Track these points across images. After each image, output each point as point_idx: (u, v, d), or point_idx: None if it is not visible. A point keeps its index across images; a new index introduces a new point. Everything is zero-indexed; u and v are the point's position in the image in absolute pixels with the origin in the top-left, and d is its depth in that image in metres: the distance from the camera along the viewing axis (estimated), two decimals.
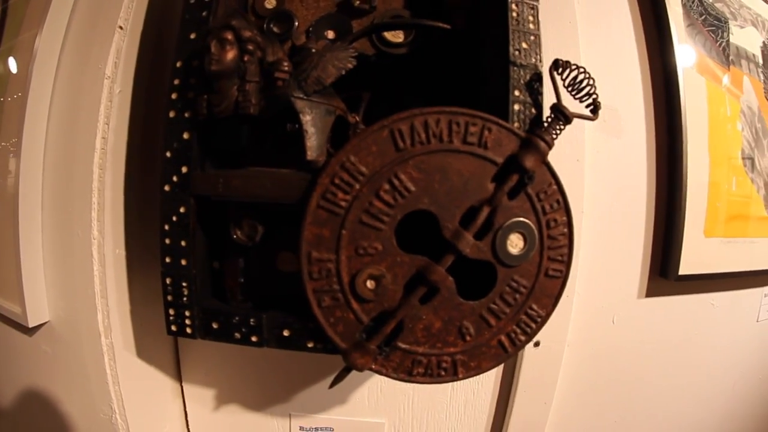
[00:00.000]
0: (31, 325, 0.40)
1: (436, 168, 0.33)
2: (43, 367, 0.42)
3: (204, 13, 0.38)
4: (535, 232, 0.35)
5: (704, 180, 0.62)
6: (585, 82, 0.37)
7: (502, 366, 0.53)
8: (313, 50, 0.40)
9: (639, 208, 0.58)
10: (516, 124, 0.36)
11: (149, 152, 0.45)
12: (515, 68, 0.37)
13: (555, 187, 0.36)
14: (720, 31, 0.71)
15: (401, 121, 0.33)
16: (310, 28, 0.43)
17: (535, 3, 0.40)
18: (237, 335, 0.38)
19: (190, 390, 0.49)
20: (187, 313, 0.38)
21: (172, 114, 0.37)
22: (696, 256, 0.61)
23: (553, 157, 0.50)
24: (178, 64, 0.38)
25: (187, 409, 0.48)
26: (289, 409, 0.50)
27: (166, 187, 0.37)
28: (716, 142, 0.64)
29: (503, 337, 0.37)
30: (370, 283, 0.34)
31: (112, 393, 0.41)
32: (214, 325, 0.38)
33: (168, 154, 0.37)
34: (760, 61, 0.76)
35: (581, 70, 0.37)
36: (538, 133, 0.34)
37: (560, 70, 0.37)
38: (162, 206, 0.37)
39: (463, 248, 0.33)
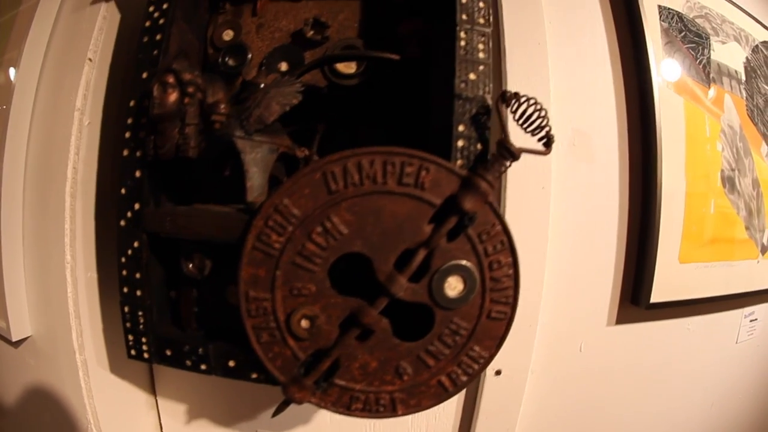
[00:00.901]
0: (14, 339, 0.45)
1: (370, 210, 0.34)
2: (27, 378, 0.48)
3: (155, 52, 0.40)
4: (476, 274, 0.35)
5: (680, 204, 0.61)
6: (536, 115, 0.36)
7: (464, 392, 0.53)
8: (262, 85, 0.41)
9: (610, 235, 0.57)
10: (459, 162, 0.36)
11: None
12: (460, 101, 0.36)
13: (499, 227, 0.35)
14: (701, 48, 0.70)
15: (333, 163, 0.34)
16: (264, 60, 0.45)
17: (486, 30, 0.38)
18: (188, 362, 0.41)
19: (164, 403, 0.52)
20: (143, 340, 0.41)
21: (125, 152, 0.40)
22: (669, 282, 0.60)
23: (518, 186, 0.50)
24: (131, 104, 0.40)
25: (162, 422, 0.53)
26: (257, 425, 0.54)
27: (122, 222, 0.40)
28: (694, 164, 0.64)
29: (443, 378, 0.37)
30: (304, 323, 0.36)
31: (87, 406, 0.45)
32: (168, 352, 0.41)
33: (123, 191, 0.40)
34: (743, 78, 0.76)
35: (531, 102, 0.35)
36: (480, 172, 0.33)
37: (508, 102, 0.36)
38: (118, 240, 0.40)
39: (396, 292, 0.34)
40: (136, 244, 0.40)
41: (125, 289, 0.41)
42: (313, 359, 0.37)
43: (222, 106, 0.35)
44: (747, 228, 0.72)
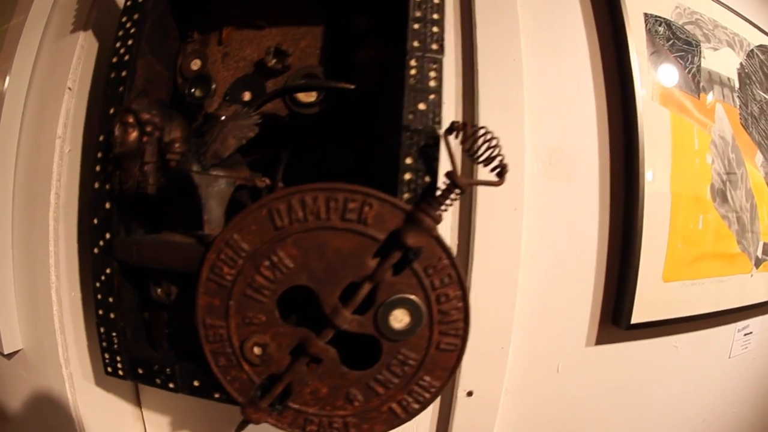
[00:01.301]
0: (5, 351, 0.50)
1: (314, 246, 0.36)
2: (19, 389, 0.52)
3: (121, 89, 0.43)
4: (422, 307, 0.36)
5: (664, 222, 0.60)
6: (486, 145, 0.36)
7: (437, 412, 0.55)
8: (223, 117, 0.43)
9: (589, 255, 0.57)
10: (407, 195, 0.37)
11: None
12: (408, 133, 0.37)
13: (446, 261, 0.36)
14: (690, 56, 0.68)
15: (278, 200, 0.36)
16: (228, 91, 0.47)
17: (439, 56, 0.39)
18: (158, 381, 0.44)
19: (150, 415, 0.56)
20: (118, 358, 0.45)
21: (96, 185, 0.43)
22: (652, 302, 0.59)
23: (488, 208, 0.51)
24: (101, 138, 0.43)
25: None
26: None
27: (95, 250, 0.44)
28: (680, 179, 0.63)
29: (394, 405, 0.39)
30: (257, 350, 0.38)
31: (74, 417, 0.49)
32: (140, 371, 0.44)
33: (95, 221, 0.43)
34: (737, 85, 0.74)
35: (481, 132, 0.36)
36: (424, 207, 0.34)
37: (456, 133, 0.36)
38: (93, 266, 0.44)
39: (340, 324, 0.36)
40: (108, 271, 0.43)
41: (100, 312, 0.44)
42: (268, 383, 0.39)
43: (176, 145, 0.38)
44: (739, 242, 0.70)
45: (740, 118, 0.73)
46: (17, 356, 0.52)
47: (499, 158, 0.36)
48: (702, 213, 0.65)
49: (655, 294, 0.60)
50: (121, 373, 0.45)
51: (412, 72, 0.38)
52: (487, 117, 0.53)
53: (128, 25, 0.43)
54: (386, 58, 0.42)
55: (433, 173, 0.37)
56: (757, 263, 0.73)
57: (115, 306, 0.44)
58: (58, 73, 0.52)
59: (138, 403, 0.56)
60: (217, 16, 0.50)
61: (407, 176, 0.36)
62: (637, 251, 0.57)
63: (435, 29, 0.39)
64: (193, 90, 0.47)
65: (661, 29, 0.67)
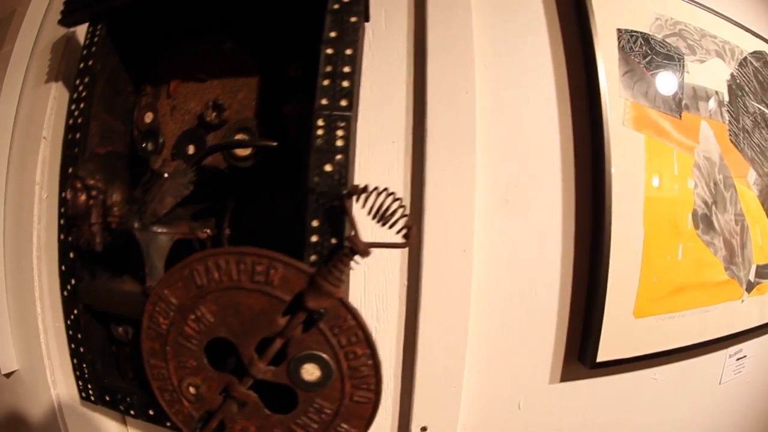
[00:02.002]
0: (3, 372, 0.61)
1: (229, 303, 0.41)
2: (18, 406, 0.63)
3: (76, 150, 0.50)
4: (330, 363, 0.41)
5: (635, 256, 0.60)
6: (389, 208, 0.39)
7: None
8: (165, 175, 0.49)
9: (551, 292, 0.59)
10: (313, 257, 0.41)
11: None
12: (314, 196, 0.40)
13: (352, 322, 0.40)
14: (671, 72, 0.67)
15: (197, 261, 0.41)
16: (174, 144, 0.52)
17: (347, 113, 0.41)
18: (121, 407, 0.52)
19: None
20: (89, 386, 0.53)
21: (62, 236, 0.51)
22: (622, 339, 0.60)
23: (435, 249, 0.54)
24: (63, 195, 0.51)
25: None
26: None
27: (65, 293, 0.52)
28: (655, 210, 0.62)
29: None
30: (192, 389, 0.45)
31: None
32: (107, 398, 0.53)
33: (63, 268, 0.51)
34: (726, 98, 0.72)
35: (382, 194, 0.38)
36: (324, 271, 0.39)
37: (357, 197, 0.39)
38: (63, 306, 0.52)
39: (256, 374, 0.41)
40: (75, 312, 0.51)
41: (72, 346, 0.53)
42: (207, 417, 0.46)
43: (115, 209, 0.44)
44: (727, 268, 0.69)
45: (730, 135, 0.71)
46: (14, 376, 0.63)
47: (402, 219, 0.39)
48: (682, 242, 0.64)
49: (624, 331, 0.60)
50: (92, 398, 0.54)
51: (319, 132, 0.41)
52: (435, 153, 0.56)
53: (80, 88, 0.50)
54: (308, 112, 0.46)
55: (340, 236, 0.41)
56: (749, 287, 0.72)
57: (83, 341, 0.52)
58: (34, 123, 0.60)
59: (123, 421, 0.65)
60: (166, 69, 0.56)
61: (314, 238, 0.40)
62: (603, 289, 0.57)
63: (345, 84, 0.41)
64: (144, 144, 0.53)
65: (636, 45, 0.65)
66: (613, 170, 0.58)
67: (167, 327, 0.43)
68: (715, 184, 0.68)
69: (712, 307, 0.67)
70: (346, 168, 0.40)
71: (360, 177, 0.57)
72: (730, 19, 0.72)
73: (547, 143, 0.60)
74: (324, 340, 0.40)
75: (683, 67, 0.67)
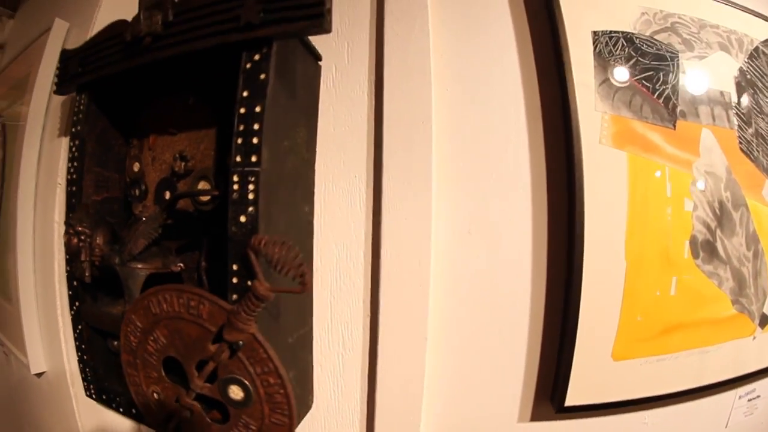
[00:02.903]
0: (33, 372, 0.82)
1: (174, 330, 0.54)
2: (47, 400, 0.84)
3: (73, 200, 0.66)
4: (249, 387, 0.52)
5: (615, 294, 0.57)
6: (286, 259, 0.48)
7: None
8: (143, 218, 0.63)
9: (521, 329, 0.60)
10: (234, 296, 0.52)
11: None
12: (232, 243, 0.51)
13: (264, 354, 0.50)
14: (661, 74, 0.61)
15: (151, 295, 0.54)
16: (155, 191, 0.67)
17: (256, 169, 0.51)
18: (113, 405, 0.68)
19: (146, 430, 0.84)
20: (91, 386, 0.70)
21: (67, 268, 0.68)
22: (598, 383, 0.58)
23: (393, 282, 0.59)
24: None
25: None
26: None
27: (72, 312, 0.69)
28: (641, 239, 0.58)
29: None
30: (155, 395, 0.59)
31: (79, 426, 0.79)
32: (104, 397, 0.69)
33: (70, 292, 0.69)
34: (734, 98, 0.64)
35: (277, 247, 0.46)
36: (236, 310, 0.49)
37: (255, 251, 0.48)
38: (72, 323, 0.70)
39: (195, 389, 0.54)
40: (80, 327, 0.68)
41: (78, 354, 0.70)
42: (167, 418, 0.60)
43: (97, 250, 0.59)
44: (736, 301, 0.63)
45: (740, 143, 0.64)
46: (44, 376, 0.83)
47: (298, 269, 0.47)
48: (676, 275, 0.59)
49: (600, 375, 0.58)
50: (93, 396, 0.71)
51: (235, 187, 0.50)
52: (391, 187, 0.60)
53: (73, 149, 0.66)
54: None
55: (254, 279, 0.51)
56: (764, 322, 0.66)
57: (86, 351, 0.69)
58: (51, 171, 0.79)
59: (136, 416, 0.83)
60: (146, 124, 0.71)
61: (234, 280, 0.51)
62: (572, 330, 0.56)
63: (255, 140, 0.49)
64: (132, 190, 0.68)
65: (617, 48, 0.60)
66: (586, 196, 0.56)
67: (136, 344, 0.58)
68: (721, 203, 0.62)
69: (715, 347, 0.62)
70: (256, 219, 0.50)
71: (324, 212, 0.66)
72: (736, 3, 0.66)
73: (516, 170, 0.59)
74: (243, 367, 0.51)
75: (678, 67, 0.62)
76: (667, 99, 0.61)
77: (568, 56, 0.58)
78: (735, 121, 0.64)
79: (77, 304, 0.67)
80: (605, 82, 0.59)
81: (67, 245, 0.60)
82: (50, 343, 0.82)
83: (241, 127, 0.51)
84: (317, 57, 0.66)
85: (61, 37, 0.90)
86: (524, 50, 0.61)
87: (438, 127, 0.61)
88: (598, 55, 0.60)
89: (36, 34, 0.98)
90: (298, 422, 0.60)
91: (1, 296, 0.97)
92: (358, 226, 0.64)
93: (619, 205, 0.58)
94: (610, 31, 0.61)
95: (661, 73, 0.61)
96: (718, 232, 0.62)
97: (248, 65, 0.50)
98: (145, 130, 0.71)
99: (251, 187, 0.50)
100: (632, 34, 0.61)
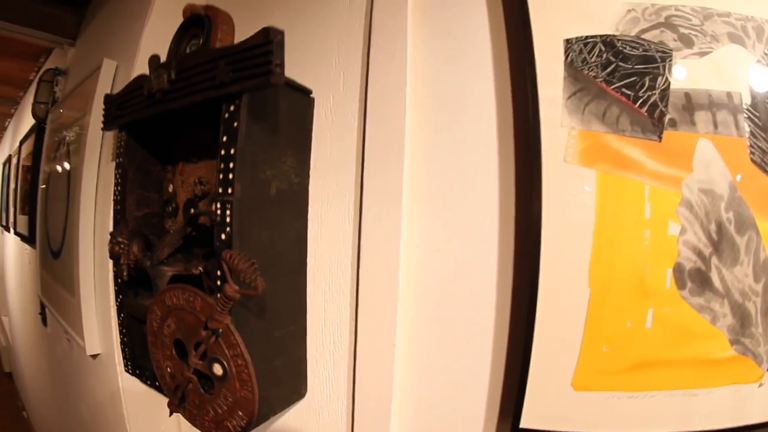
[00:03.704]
0: (89, 353, 1.07)
1: (180, 318, 0.73)
2: (99, 377, 1.09)
3: (118, 217, 0.90)
4: (226, 365, 0.69)
5: (577, 320, 0.56)
6: (243, 269, 0.64)
7: None
8: (171, 231, 0.85)
9: (484, 347, 0.64)
10: (219, 294, 0.69)
11: None
12: (217, 254, 0.69)
13: (234, 340, 0.67)
14: (647, 79, 0.56)
15: (166, 291, 0.74)
16: (183, 208, 0.88)
17: (231, 198, 0.67)
18: (143, 378, 0.90)
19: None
20: (128, 363, 0.93)
21: (114, 269, 0.92)
22: (556, 410, 0.58)
23: (368, 293, 0.71)
24: None
25: (181, 420, 1.07)
26: None
27: (117, 303, 0.93)
28: (608, 264, 0.56)
29: (228, 423, 0.71)
30: (169, 369, 0.79)
31: (123, 403, 1.02)
32: (137, 371, 0.92)
33: (115, 288, 0.92)
34: (746, 99, 0.56)
35: (238, 260, 0.63)
36: (216, 305, 0.67)
37: (226, 261, 0.65)
38: (117, 312, 0.93)
39: (191, 364, 0.72)
40: (122, 315, 0.92)
41: (120, 337, 0.93)
42: (177, 388, 0.79)
43: (132, 256, 0.81)
44: (736, 341, 0.57)
45: (752, 152, 0.56)
46: (99, 358, 1.09)
47: (253, 277, 0.63)
48: (652, 306, 0.56)
49: (559, 402, 0.58)
50: (131, 372, 0.93)
51: (218, 212, 0.68)
52: (367, 207, 0.72)
53: (117, 176, 0.90)
54: None
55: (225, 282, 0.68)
56: None
57: (126, 335, 0.92)
58: (108, 190, 1.05)
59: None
60: (177, 153, 0.93)
61: (218, 282, 0.69)
62: (527, 352, 0.57)
63: (230, 176, 0.66)
64: (166, 208, 0.91)
65: (593, 54, 0.58)
66: (546, 220, 0.56)
67: (157, 328, 0.78)
68: (720, 226, 0.56)
69: (706, 390, 0.57)
70: (231, 237, 0.67)
71: (321, 227, 0.81)
72: None
73: (485, 192, 0.64)
74: (222, 350, 0.69)
75: (670, 69, 0.57)
76: (653, 107, 0.56)
77: (533, 70, 0.58)
78: (746, 127, 0.56)
79: (120, 297, 0.91)
80: (575, 94, 0.58)
81: (111, 252, 0.84)
82: (103, 330, 1.08)
83: (222, 165, 0.68)
84: (307, 91, 0.83)
85: (110, 75, 1.20)
86: (501, 71, 0.65)
87: (411, 152, 0.69)
88: (570, 65, 0.58)
89: (89, 70, 1.29)
90: (284, 408, 0.80)
91: (67, 291, 1.28)
92: (347, 240, 0.78)
93: (583, 228, 0.56)
94: (586, 37, 0.59)
95: (647, 78, 0.57)
96: (714, 259, 0.56)
97: (226, 115, 0.67)
98: (176, 157, 0.93)
99: (228, 212, 0.67)
100: (613, 36, 0.58)
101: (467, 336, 0.65)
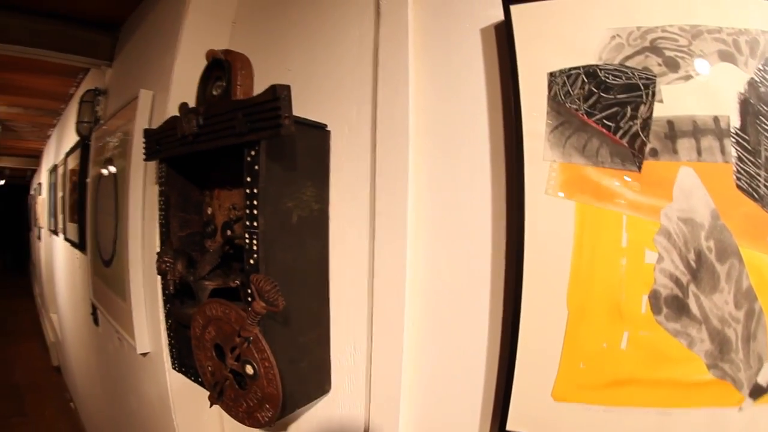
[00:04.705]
0: (139, 352, 1.31)
1: (219, 327, 0.93)
2: (148, 373, 1.32)
3: (164, 237, 1.11)
4: (256, 366, 0.88)
5: (557, 338, 0.64)
6: (266, 290, 0.82)
7: None
8: (210, 251, 1.05)
9: (481, 357, 0.76)
10: (250, 308, 0.88)
11: None
12: (246, 275, 0.88)
13: (262, 345, 0.86)
14: (629, 108, 0.60)
15: (206, 305, 0.94)
16: (221, 229, 1.09)
17: (257, 231, 0.87)
18: (189, 375, 1.12)
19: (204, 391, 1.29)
20: (175, 362, 1.15)
21: (163, 282, 1.13)
22: (538, 416, 0.66)
23: (381, 312, 0.89)
24: None
25: (224, 415, 1.29)
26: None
27: (165, 311, 1.15)
28: (586, 288, 0.62)
29: (258, 414, 0.91)
30: (210, 368, 0.99)
31: (168, 390, 1.25)
32: (183, 369, 1.13)
33: (164, 298, 1.14)
34: (735, 122, 0.57)
35: (263, 283, 0.82)
36: (245, 317, 0.86)
37: (253, 282, 0.84)
38: (165, 318, 1.15)
39: (227, 364, 0.92)
40: (169, 321, 1.14)
41: (168, 339, 1.15)
42: (216, 385, 0.99)
43: (177, 272, 1.02)
44: (714, 366, 0.60)
45: (737, 178, 0.58)
46: (148, 356, 1.33)
47: (275, 296, 0.82)
48: (628, 329, 0.61)
49: (541, 409, 0.66)
50: (176, 368, 1.15)
51: (246, 241, 0.87)
52: (379, 229, 0.87)
53: (161, 202, 1.11)
54: None
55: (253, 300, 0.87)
56: (756, 393, 0.59)
57: (173, 338, 1.14)
58: (153, 212, 1.27)
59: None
60: (214, 180, 1.14)
61: (249, 299, 0.88)
62: (512, 363, 0.67)
63: (255, 211, 0.85)
64: (206, 228, 1.12)
65: (576, 86, 0.63)
66: (529, 248, 0.65)
67: (199, 334, 0.99)
68: (699, 255, 0.59)
69: (681, 410, 0.61)
70: (258, 262, 0.86)
71: (343, 245, 0.99)
72: None
73: (480, 219, 0.75)
74: (253, 354, 0.88)
75: (653, 96, 0.59)
76: (634, 137, 0.60)
77: (518, 105, 0.66)
78: (733, 151, 0.58)
79: (168, 306, 1.13)
80: (557, 128, 0.63)
81: (158, 269, 1.05)
82: (152, 331, 1.31)
83: (247, 202, 0.87)
84: (321, 126, 1.01)
85: (147, 104, 1.44)
86: (493, 104, 0.75)
87: (415, 181, 0.84)
88: (553, 99, 0.63)
89: (128, 94, 1.54)
90: (308, 402, 0.99)
91: (118, 297, 1.54)
92: (363, 256, 0.95)
93: (562, 256, 0.64)
94: (569, 69, 0.63)
95: (629, 108, 0.60)
96: (692, 287, 0.59)
97: (248, 158, 0.86)
98: (213, 184, 1.14)
99: (255, 241, 0.86)
100: (596, 66, 0.62)
101: (465, 344, 0.79)
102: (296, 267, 0.94)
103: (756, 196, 0.57)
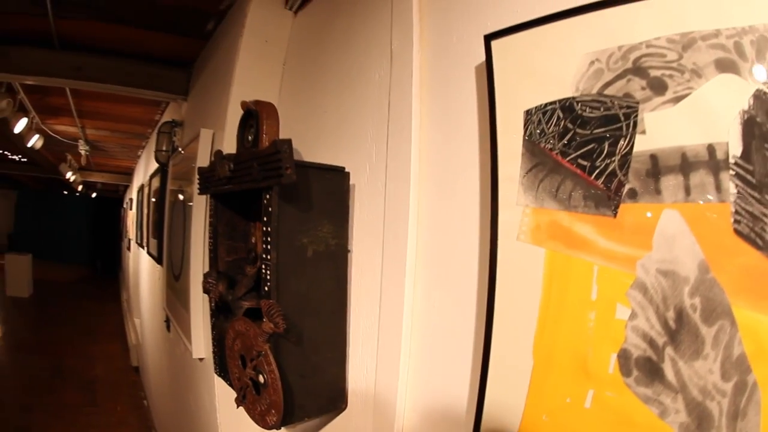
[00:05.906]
0: (194, 357, 1.65)
1: (243, 341, 1.21)
2: (202, 375, 1.65)
3: (211, 260, 1.43)
4: (266, 376, 1.13)
5: (522, 387, 0.67)
6: (271, 314, 1.08)
7: None
8: (248, 275, 1.35)
9: (463, 384, 0.87)
10: (260, 329, 1.15)
11: None
12: (263, 301, 1.14)
13: (270, 360, 1.11)
14: (606, 144, 0.56)
15: (235, 321, 1.23)
16: (260, 255, 1.39)
17: (270, 263, 1.13)
18: (225, 379, 1.41)
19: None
20: (217, 366, 1.46)
21: (207, 300, 1.45)
22: None
23: (385, 341, 1.15)
24: None
25: None
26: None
27: (211, 323, 1.46)
28: (552, 340, 0.64)
29: (267, 417, 1.17)
30: (236, 374, 1.27)
31: (215, 390, 1.56)
32: (222, 373, 1.44)
33: (209, 313, 1.46)
34: (735, 149, 0.48)
35: (269, 307, 1.08)
36: (258, 335, 1.12)
37: (264, 306, 1.10)
38: (212, 330, 1.47)
39: (247, 373, 1.19)
40: (214, 332, 1.46)
41: (210, 346, 1.47)
42: (240, 389, 1.27)
43: (217, 293, 1.33)
44: None
45: (735, 221, 0.49)
46: (203, 361, 1.67)
47: (280, 317, 1.07)
48: (593, 388, 0.59)
49: None
50: (217, 373, 1.46)
51: (263, 272, 1.14)
52: (386, 263, 1.13)
53: (210, 231, 1.44)
54: None
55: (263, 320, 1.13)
56: None
57: (216, 346, 1.46)
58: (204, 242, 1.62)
59: None
60: (256, 213, 1.44)
61: (264, 319, 1.15)
62: (480, 408, 0.72)
63: (269, 246, 1.13)
64: (249, 255, 1.43)
65: (551, 123, 0.61)
66: (500, 294, 0.68)
67: (230, 345, 1.28)
68: (681, 313, 0.53)
69: None
70: (270, 290, 1.12)
71: (362, 277, 1.22)
72: None
73: (469, 260, 0.85)
74: (263, 366, 1.14)
75: (633, 127, 0.55)
76: (610, 177, 0.57)
77: (495, 147, 0.69)
78: (731, 187, 0.49)
79: (213, 319, 1.44)
80: (531, 170, 0.63)
81: (203, 288, 1.37)
82: (207, 339, 1.66)
83: (264, 238, 1.15)
84: (339, 169, 1.26)
85: (208, 142, 1.80)
86: (484, 144, 0.81)
87: (416, 219, 1.04)
88: (528, 139, 0.63)
89: (196, 130, 1.93)
90: (318, 415, 1.25)
91: (183, 307, 1.91)
92: (376, 288, 1.17)
93: (531, 305, 0.65)
94: (545, 105, 0.61)
95: (607, 143, 0.57)
96: (669, 350, 0.54)
97: (265, 201, 1.13)
98: (257, 216, 1.44)
99: (269, 272, 1.13)
100: (572, 99, 0.59)
101: (449, 385, 0.91)
102: (309, 296, 1.19)
103: (760, 242, 0.47)
